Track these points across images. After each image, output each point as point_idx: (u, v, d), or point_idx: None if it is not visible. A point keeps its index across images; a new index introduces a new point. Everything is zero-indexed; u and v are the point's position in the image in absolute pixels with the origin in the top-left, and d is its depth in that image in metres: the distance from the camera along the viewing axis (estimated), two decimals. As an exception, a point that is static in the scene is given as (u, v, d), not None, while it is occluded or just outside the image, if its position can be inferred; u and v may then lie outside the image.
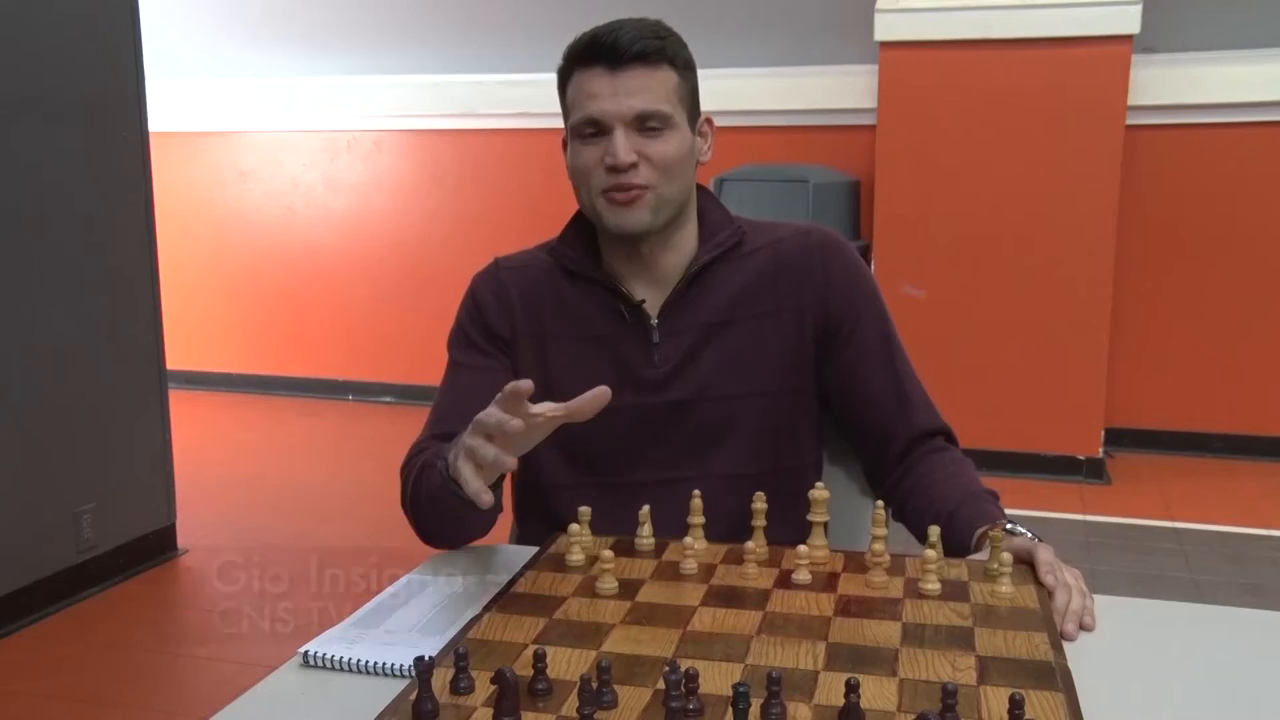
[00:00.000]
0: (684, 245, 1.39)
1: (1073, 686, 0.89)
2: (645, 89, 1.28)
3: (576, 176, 1.34)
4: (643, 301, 1.37)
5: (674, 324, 1.37)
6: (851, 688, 0.81)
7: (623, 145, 1.28)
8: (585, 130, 1.30)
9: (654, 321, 1.37)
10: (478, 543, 1.32)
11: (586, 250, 1.40)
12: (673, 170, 1.31)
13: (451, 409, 1.37)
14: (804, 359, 1.39)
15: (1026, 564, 1.13)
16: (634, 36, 1.28)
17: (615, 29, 1.29)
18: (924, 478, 1.35)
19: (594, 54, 1.29)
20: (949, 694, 0.79)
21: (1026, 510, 3.87)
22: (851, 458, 1.48)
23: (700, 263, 1.37)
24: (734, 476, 1.33)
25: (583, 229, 1.41)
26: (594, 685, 0.82)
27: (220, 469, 4.40)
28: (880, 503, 1.14)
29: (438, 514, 1.26)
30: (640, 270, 1.38)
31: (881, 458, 1.40)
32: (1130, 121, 4.10)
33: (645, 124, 1.29)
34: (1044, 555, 1.13)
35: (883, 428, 1.39)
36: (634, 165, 1.29)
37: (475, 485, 1.05)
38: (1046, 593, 1.08)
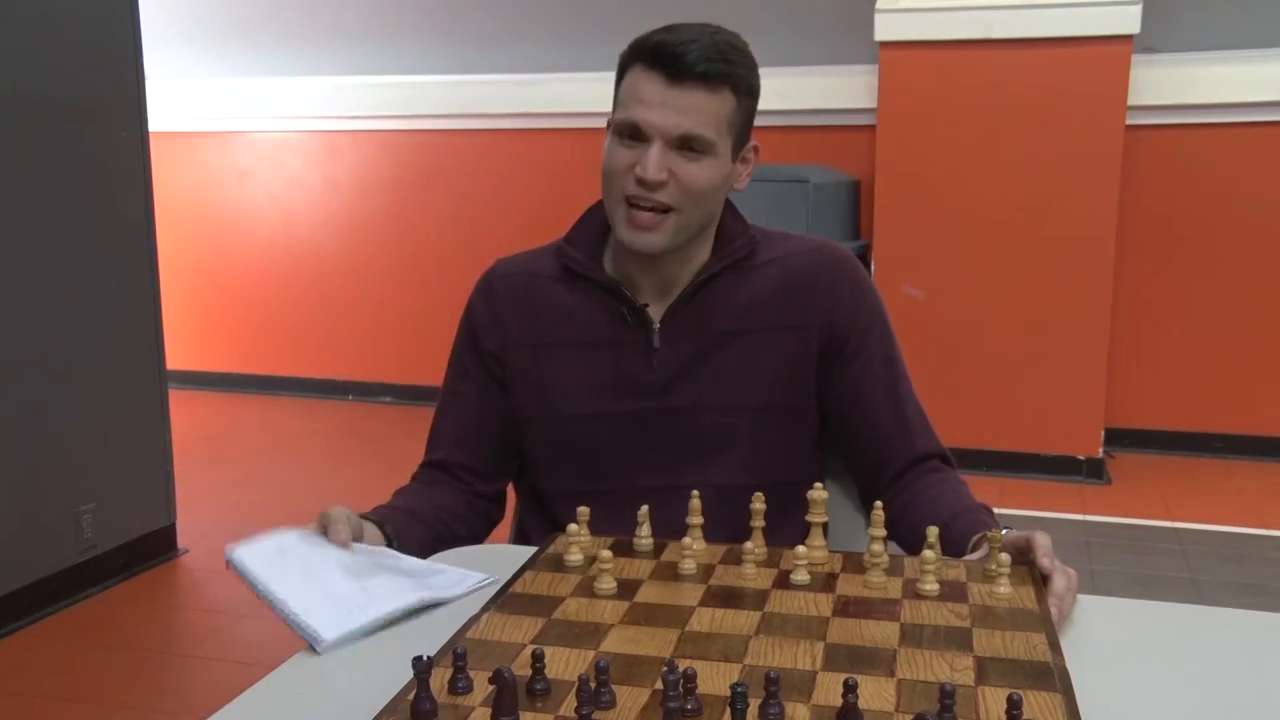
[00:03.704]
0: (697, 256, 1.37)
1: (1071, 687, 0.88)
2: (696, 111, 1.25)
3: (606, 175, 1.31)
4: (645, 305, 1.36)
5: (677, 330, 1.36)
6: (849, 688, 0.81)
7: (655, 161, 1.25)
8: (625, 131, 1.28)
9: (656, 326, 1.36)
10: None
11: (593, 251, 1.38)
12: (701, 197, 1.29)
13: (439, 435, 1.44)
14: (806, 375, 1.38)
15: (1025, 564, 1.13)
16: (701, 55, 1.23)
17: (686, 41, 1.24)
18: (919, 495, 1.35)
19: (657, 60, 1.25)
20: (947, 694, 0.79)
21: (1026, 510, 3.87)
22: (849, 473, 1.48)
23: (710, 271, 1.36)
24: (730, 487, 1.31)
25: (591, 228, 1.40)
26: (592, 685, 0.82)
27: (220, 469, 4.40)
28: (879, 503, 1.14)
29: None
30: (648, 274, 1.37)
31: (878, 478, 1.40)
32: (1130, 121, 4.10)
33: (686, 145, 1.26)
34: (1042, 539, 1.13)
35: (881, 449, 1.39)
36: (663, 184, 1.26)
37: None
38: (1043, 579, 1.09)
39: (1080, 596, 1.11)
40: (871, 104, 4.36)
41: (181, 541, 3.55)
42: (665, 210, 1.28)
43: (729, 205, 1.41)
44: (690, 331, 1.36)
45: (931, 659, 0.93)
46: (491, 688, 0.83)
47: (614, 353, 1.37)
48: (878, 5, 4.14)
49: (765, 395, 1.36)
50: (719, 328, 1.36)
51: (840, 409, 1.39)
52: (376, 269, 5.50)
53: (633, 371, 1.36)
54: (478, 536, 1.41)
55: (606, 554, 1.09)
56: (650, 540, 1.20)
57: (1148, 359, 4.52)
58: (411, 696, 0.84)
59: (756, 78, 1.31)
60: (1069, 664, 0.93)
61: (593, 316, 1.38)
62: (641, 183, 1.26)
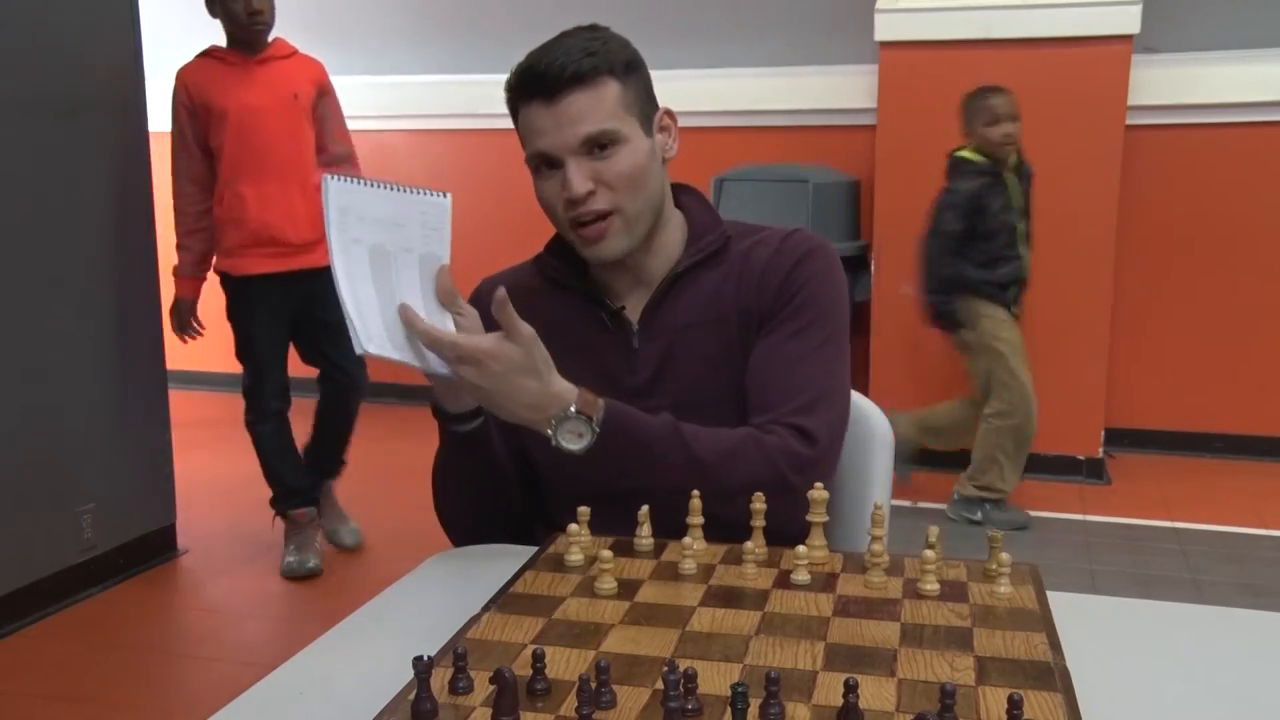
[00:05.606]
0: (666, 249, 1.38)
1: (1071, 687, 0.88)
2: (586, 112, 1.26)
3: (546, 211, 1.34)
4: (621, 308, 1.37)
5: (653, 329, 1.36)
6: (850, 688, 0.81)
7: (576, 177, 1.27)
8: (540, 165, 1.31)
9: (635, 327, 1.37)
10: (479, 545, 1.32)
11: (571, 258, 1.39)
12: (635, 185, 1.30)
13: None
14: None
15: (1025, 564, 1.13)
16: (565, 62, 1.26)
17: (545, 57, 1.27)
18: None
19: (531, 89, 1.28)
20: (947, 694, 0.79)
21: (1026, 510, 3.86)
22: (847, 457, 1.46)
23: (682, 267, 1.36)
24: None
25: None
26: (593, 685, 0.82)
27: (220, 469, 4.40)
28: (879, 502, 1.14)
29: (453, 478, 1.36)
30: (625, 275, 1.38)
31: None
32: (1130, 121, 4.10)
33: (595, 147, 1.27)
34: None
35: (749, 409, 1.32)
36: (592, 193, 1.28)
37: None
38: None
39: (1080, 596, 1.11)
40: (871, 104, 4.36)
41: (181, 541, 3.55)
42: (607, 215, 1.30)
43: (698, 198, 1.42)
44: (664, 329, 1.36)
45: (932, 659, 0.93)
46: (492, 688, 0.83)
47: (599, 357, 1.37)
48: (878, 5, 4.14)
49: (737, 385, 1.34)
50: (685, 321, 1.36)
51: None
52: (376, 269, 5.49)
53: (617, 374, 1.36)
54: (509, 503, 1.40)
55: (607, 554, 1.09)
56: (650, 540, 1.20)
57: (1148, 359, 4.52)
58: (412, 696, 0.83)
59: (629, 51, 1.33)
60: (1069, 664, 0.93)
61: (576, 323, 1.39)
62: (572, 202, 1.28)
